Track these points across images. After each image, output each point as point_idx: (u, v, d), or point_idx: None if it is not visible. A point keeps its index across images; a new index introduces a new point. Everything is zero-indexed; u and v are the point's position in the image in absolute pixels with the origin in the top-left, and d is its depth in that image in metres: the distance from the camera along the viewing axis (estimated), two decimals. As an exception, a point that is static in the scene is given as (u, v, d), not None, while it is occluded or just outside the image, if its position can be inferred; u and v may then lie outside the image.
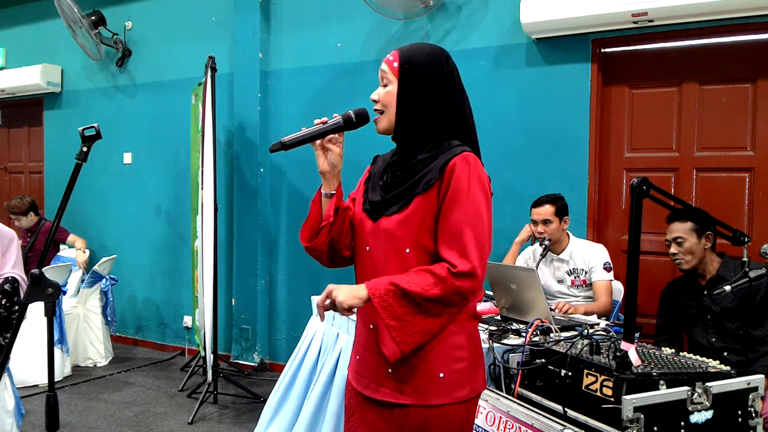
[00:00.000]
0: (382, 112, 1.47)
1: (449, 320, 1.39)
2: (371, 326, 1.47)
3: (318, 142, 1.47)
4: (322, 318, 1.41)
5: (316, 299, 3.02)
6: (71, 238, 4.82)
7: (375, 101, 1.48)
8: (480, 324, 1.94)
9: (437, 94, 1.45)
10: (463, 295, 1.35)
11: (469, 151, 1.42)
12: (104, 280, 4.72)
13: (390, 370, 1.43)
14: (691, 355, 2.05)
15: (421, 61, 1.44)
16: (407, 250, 1.41)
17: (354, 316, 2.59)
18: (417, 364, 1.40)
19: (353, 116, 1.46)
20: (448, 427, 1.41)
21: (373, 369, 1.47)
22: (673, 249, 2.63)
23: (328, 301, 1.36)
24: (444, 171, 1.39)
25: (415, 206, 1.41)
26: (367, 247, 1.49)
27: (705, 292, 2.61)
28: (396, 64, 1.45)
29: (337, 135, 1.47)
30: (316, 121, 1.46)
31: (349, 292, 1.35)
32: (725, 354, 2.52)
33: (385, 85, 1.47)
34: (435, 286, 1.33)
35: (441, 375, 1.40)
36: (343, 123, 1.46)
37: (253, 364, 4.64)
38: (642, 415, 1.65)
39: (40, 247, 4.74)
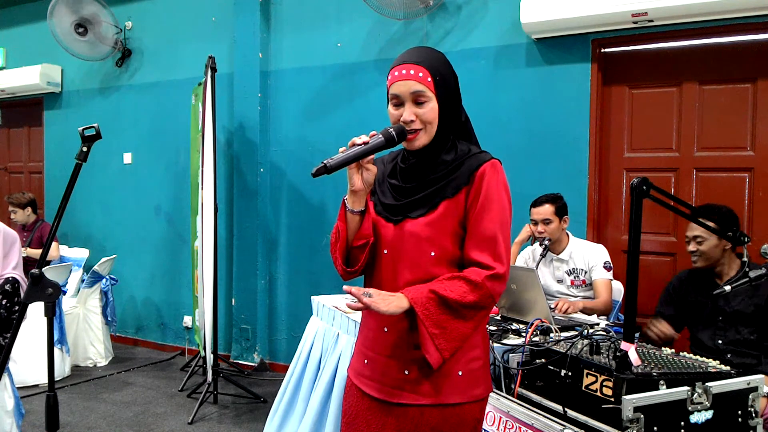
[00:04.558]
0: (419, 129, 1.42)
1: (479, 323, 1.42)
2: (385, 329, 1.46)
3: (354, 162, 1.42)
4: (356, 298, 1.31)
5: (316, 299, 3.04)
6: (53, 245, 4.83)
7: (411, 121, 1.41)
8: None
9: (459, 100, 1.48)
10: (494, 298, 1.39)
11: (495, 159, 1.44)
12: (104, 280, 4.72)
13: (406, 372, 1.42)
14: (691, 355, 2.05)
15: (445, 70, 1.44)
16: (432, 253, 1.41)
17: (354, 316, 2.58)
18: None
19: (395, 135, 1.41)
20: (463, 426, 1.41)
21: (386, 372, 1.46)
22: (691, 247, 2.58)
23: (365, 300, 1.31)
24: (474, 177, 1.41)
25: (442, 210, 1.41)
26: (385, 251, 1.47)
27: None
28: (429, 80, 1.40)
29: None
30: (355, 140, 1.40)
31: (391, 303, 1.33)
32: (728, 356, 2.50)
33: (422, 103, 1.40)
34: (471, 293, 1.35)
35: (459, 373, 1.41)
36: (384, 142, 1.40)
37: (253, 364, 4.64)
38: (642, 415, 1.65)
39: (34, 248, 4.76)
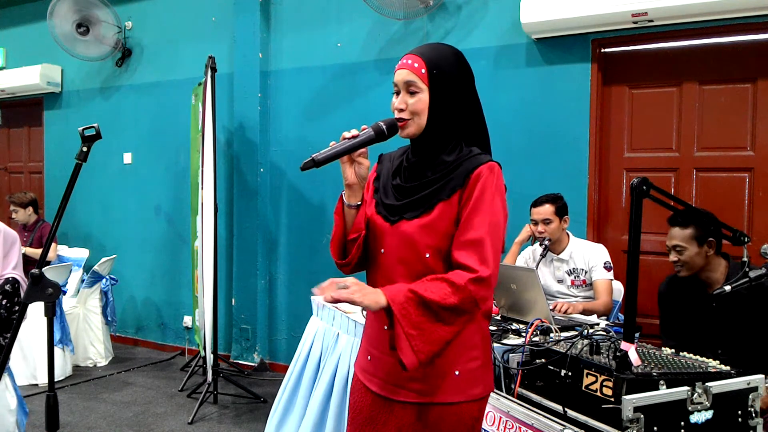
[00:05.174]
0: (408, 119, 1.44)
1: (461, 329, 1.40)
2: (386, 327, 1.46)
3: (346, 156, 1.43)
4: (320, 293, 1.30)
5: (316, 299, 3.04)
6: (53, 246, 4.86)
7: (401, 110, 1.44)
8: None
9: (464, 97, 1.46)
10: (477, 302, 1.36)
11: (493, 161, 1.43)
12: (104, 280, 4.72)
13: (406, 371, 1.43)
14: (691, 355, 2.05)
15: (448, 65, 1.43)
16: (427, 255, 1.41)
17: (354, 316, 2.58)
18: (434, 362, 1.40)
19: (385, 128, 1.42)
20: (460, 425, 1.42)
21: (388, 370, 1.47)
22: (672, 257, 2.49)
23: (342, 293, 1.29)
24: (469, 179, 1.40)
25: (438, 212, 1.41)
26: (382, 250, 1.48)
27: (714, 304, 2.44)
28: (424, 71, 1.41)
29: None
30: (345, 134, 1.42)
31: (368, 296, 1.32)
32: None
33: (413, 93, 1.42)
34: (453, 295, 1.33)
35: (456, 373, 1.41)
36: (374, 136, 1.42)
37: (253, 364, 4.64)
38: (642, 415, 1.65)
39: (35, 248, 4.76)
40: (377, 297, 1.32)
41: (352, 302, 1.30)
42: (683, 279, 2.58)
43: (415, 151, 1.49)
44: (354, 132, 1.42)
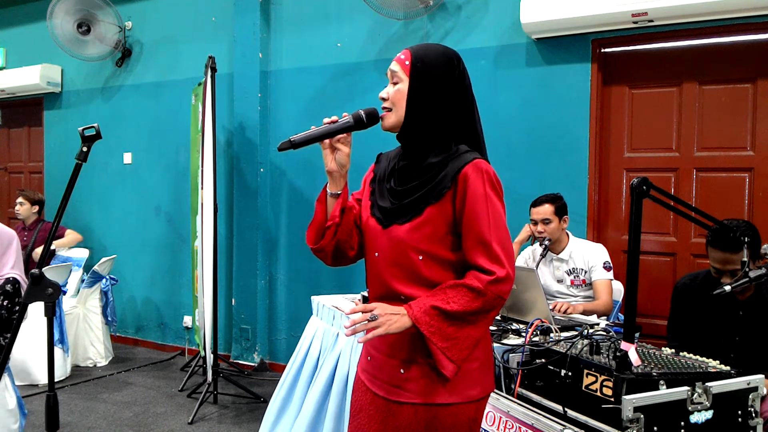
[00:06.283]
0: (390, 110, 1.46)
1: (490, 323, 1.43)
2: None
3: (326, 141, 1.46)
4: (351, 333, 1.37)
5: (316, 299, 3.04)
6: (68, 232, 4.92)
7: (384, 99, 1.47)
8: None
9: (447, 95, 1.45)
10: (502, 298, 1.39)
11: (479, 158, 1.42)
12: (104, 280, 4.72)
13: (402, 371, 1.44)
14: (691, 355, 2.05)
15: (433, 61, 1.44)
16: (420, 257, 1.42)
17: (354, 317, 2.58)
18: (431, 364, 1.41)
19: (364, 116, 1.45)
20: (457, 426, 1.42)
21: (385, 370, 1.48)
22: (729, 279, 2.33)
23: (367, 321, 1.34)
24: (456, 180, 1.40)
25: (427, 215, 1.42)
26: (376, 253, 1.49)
27: (741, 312, 2.39)
28: (408, 63, 1.44)
29: (345, 134, 1.47)
30: (326, 120, 1.45)
31: (393, 324, 1.35)
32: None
33: (395, 83, 1.46)
34: (474, 300, 1.36)
35: None
36: (353, 122, 1.45)
37: (253, 364, 4.64)
38: (642, 415, 1.65)
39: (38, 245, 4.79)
40: (402, 321, 1.36)
41: (380, 334, 1.35)
42: (704, 280, 2.52)
43: (404, 153, 1.51)
44: (334, 118, 1.45)
